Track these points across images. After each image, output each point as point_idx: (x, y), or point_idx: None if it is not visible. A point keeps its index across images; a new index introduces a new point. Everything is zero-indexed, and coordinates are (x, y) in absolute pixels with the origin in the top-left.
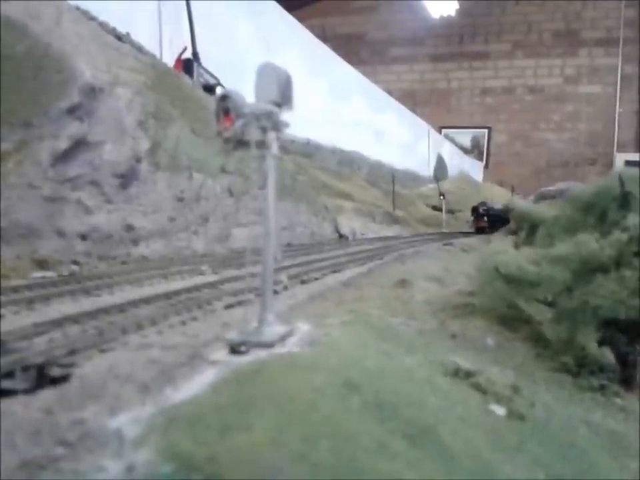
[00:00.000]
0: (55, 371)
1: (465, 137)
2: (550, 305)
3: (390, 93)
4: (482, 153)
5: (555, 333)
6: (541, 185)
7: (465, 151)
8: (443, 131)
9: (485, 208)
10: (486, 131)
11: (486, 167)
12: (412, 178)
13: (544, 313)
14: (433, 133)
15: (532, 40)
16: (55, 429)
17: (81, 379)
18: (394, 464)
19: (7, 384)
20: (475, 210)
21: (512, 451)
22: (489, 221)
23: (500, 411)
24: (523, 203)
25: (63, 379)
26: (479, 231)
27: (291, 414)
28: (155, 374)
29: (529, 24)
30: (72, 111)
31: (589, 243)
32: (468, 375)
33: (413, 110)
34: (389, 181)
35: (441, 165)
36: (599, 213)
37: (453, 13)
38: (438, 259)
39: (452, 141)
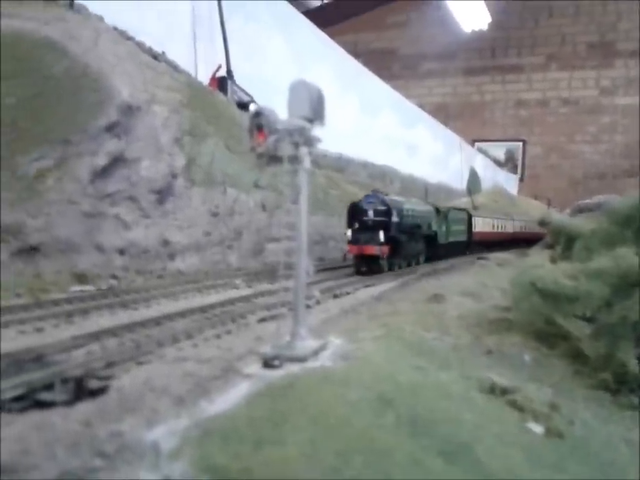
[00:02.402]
0: (93, 384)
1: (499, 150)
2: (588, 320)
3: (422, 106)
4: (516, 166)
5: (593, 349)
6: (577, 198)
7: (499, 163)
8: (476, 144)
9: (372, 202)
10: (520, 143)
11: (521, 179)
12: (445, 191)
13: (582, 328)
14: (466, 146)
15: (566, 52)
16: (93, 441)
17: (119, 392)
18: None
19: (46, 396)
20: (353, 212)
21: (550, 469)
22: (389, 239)
23: (538, 428)
24: (559, 216)
25: (101, 391)
26: (359, 267)
27: (324, 428)
28: (190, 387)
29: (563, 36)
30: (110, 128)
31: (628, 256)
32: (504, 392)
33: (446, 123)
34: (421, 194)
35: (474, 178)
36: (637, 226)
37: (485, 26)
38: (472, 273)
39: (485, 153)
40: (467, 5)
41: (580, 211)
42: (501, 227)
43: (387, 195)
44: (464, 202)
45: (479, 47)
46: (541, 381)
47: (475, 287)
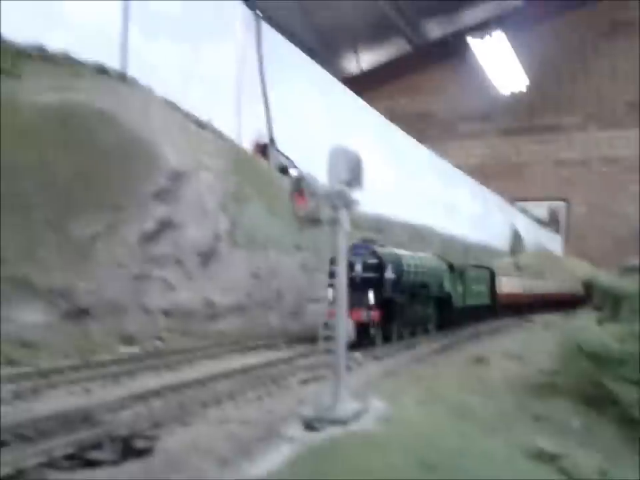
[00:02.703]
0: (140, 443)
1: (541, 210)
2: (638, 384)
3: (461, 167)
4: (560, 226)
5: None
6: (624, 258)
7: (542, 223)
8: (517, 203)
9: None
10: (563, 203)
11: (565, 239)
12: (486, 251)
13: (632, 392)
14: (506, 205)
15: (605, 111)
16: None
17: (164, 452)
18: None
19: (94, 455)
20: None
21: None
22: (382, 301)
23: None
24: (605, 277)
25: (147, 451)
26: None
27: None
28: (233, 448)
29: (601, 95)
30: (158, 194)
31: None
32: (552, 458)
33: (485, 184)
34: (461, 254)
35: (516, 237)
36: None
37: (523, 88)
38: (517, 335)
39: (527, 213)
40: (504, 68)
41: (627, 271)
42: (534, 287)
43: (381, 245)
44: (506, 262)
45: (517, 108)
46: (590, 447)
47: (519, 350)
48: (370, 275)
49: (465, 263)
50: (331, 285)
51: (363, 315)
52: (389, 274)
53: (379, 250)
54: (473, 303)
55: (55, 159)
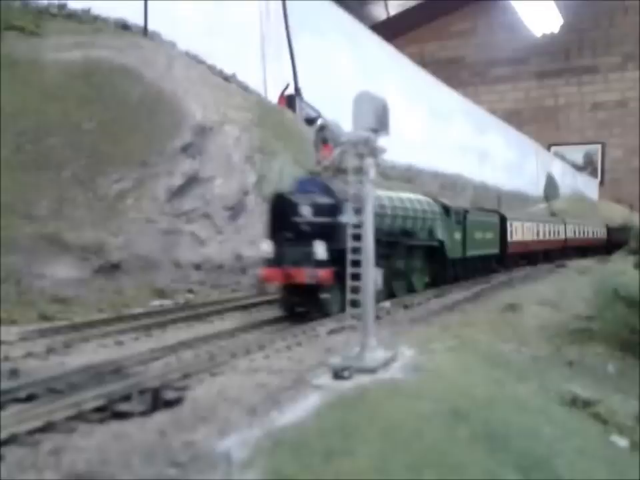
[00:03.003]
0: (169, 394)
1: (577, 154)
2: None
3: (494, 113)
4: (596, 170)
5: None
6: None
7: (577, 168)
8: (552, 148)
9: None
10: (599, 146)
11: (601, 183)
12: (520, 198)
13: None
14: (541, 151)
15: None
16: (167, 451)
17: (193, 402)
18: None
19: (124, 407)
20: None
21: None
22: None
23: (622, 442)
24: None
25: (177, 401)
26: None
27: (395, 441)
28: (262, 397)
29: None
30: (185, 149)
31: None
32: (587, 404)
33: (519, 129)
34: (494, 202)
35: (551, 183)
36: None
37: (556, 29)
38: (550, 281)
39: (562, 158)
40: (537, 7)
41: None
42: (551, 233)
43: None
44: (541, 209)
45: (551, 50)
46: (626, 393)
47: (553, 296)
48: (321, 220)
49: (466, 206)
50: (275, 236)
51: (306, 274)
52: (348, 217)
53: (334, 186)
54: (475, 254)
55: (80, 115)
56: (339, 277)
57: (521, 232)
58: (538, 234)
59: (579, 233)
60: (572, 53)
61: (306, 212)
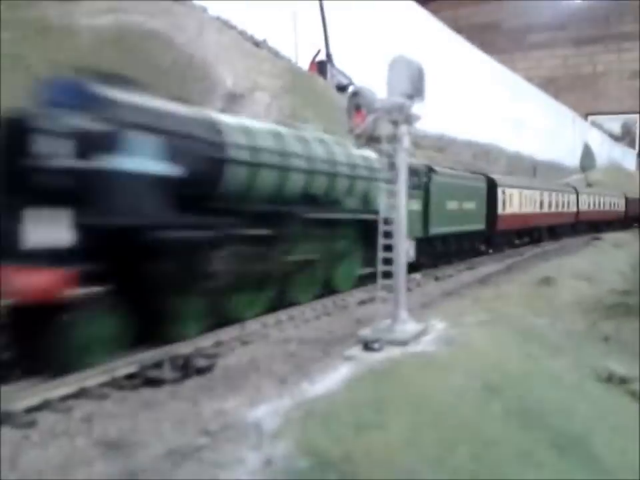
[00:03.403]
0: (201, 362)
1: (615, 124)
2: None
3: (530, 80)
4: (634, 140)
5: None
6: None
7: (615, 138)
8: (590, 117)
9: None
10: (638, 116)
11: (639, 154)
12: (555, 169)
13: None
14: (578, 120)
15: None
16: (198, 419)
17: (224, 370)
18: (540, 474)
19: (155, 374)
20: None
21: None
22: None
23: None
24: None
25: (208, 369)
26: None
27: (427, 415)
28: (292, 368)
29: None
30: None
31: None
32: (623, 381)
33: (556, 97)
34: (529, 172)
35: (587, 154)
36: None
37: None
38: (586, 255)
39: (600, 128)
40: None
41: None
42: (557, 204)
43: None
44: (576, 179)
45: (591, 16)
46: None
47: (589, 270)
48: (65, 164)
49: (432, 165)
50: None
51: (17, 279)
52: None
53: (115, 97)
54: (445, 231)
55: None
56: (110, 289)
57: (517, 202)
58: (541, 205)
59: (600, 203)
60: (612, 19)
61: (46, 148)
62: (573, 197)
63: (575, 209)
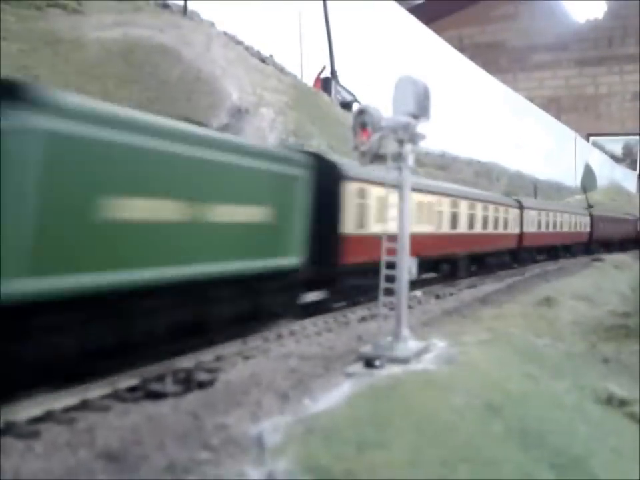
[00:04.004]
0: (202, 376)
1: (616, 145)
2: None
3: (532, 100)
4: (635, 162)
5: None
6: None
7: (616, 159)
8: (591, 138)
9: None
10: (639, 137)
11: None
12: (556, 188)
13: None
14: (580, 140)
15: None
16: (200, 433)
17: (226, 385)
18: None
19: (157, 387)
20: None
21: None
22: None
23: None
24: None
25: (209, 383)
26: None
27: (429, 435)
28: (294, 383)
29: None
30: (222, 131)
31: None
32: (623, 403)
33: (558, 117)
34: (530, 191)
35: (588, 174)
36: None
37: (600, 15)
38: (586, 276)
39: (601, 149)
40: None
41: None
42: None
43: None
44: (577, 200)
45: (594, 37)
46: None
47: (589, 291)
48: None
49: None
50: None
51: None
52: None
53: None
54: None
55: (120, 95)
56: None
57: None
58: (444, 224)
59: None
60: (615, 41)
61: None
62: (514, 213)
63: (516, 230)
